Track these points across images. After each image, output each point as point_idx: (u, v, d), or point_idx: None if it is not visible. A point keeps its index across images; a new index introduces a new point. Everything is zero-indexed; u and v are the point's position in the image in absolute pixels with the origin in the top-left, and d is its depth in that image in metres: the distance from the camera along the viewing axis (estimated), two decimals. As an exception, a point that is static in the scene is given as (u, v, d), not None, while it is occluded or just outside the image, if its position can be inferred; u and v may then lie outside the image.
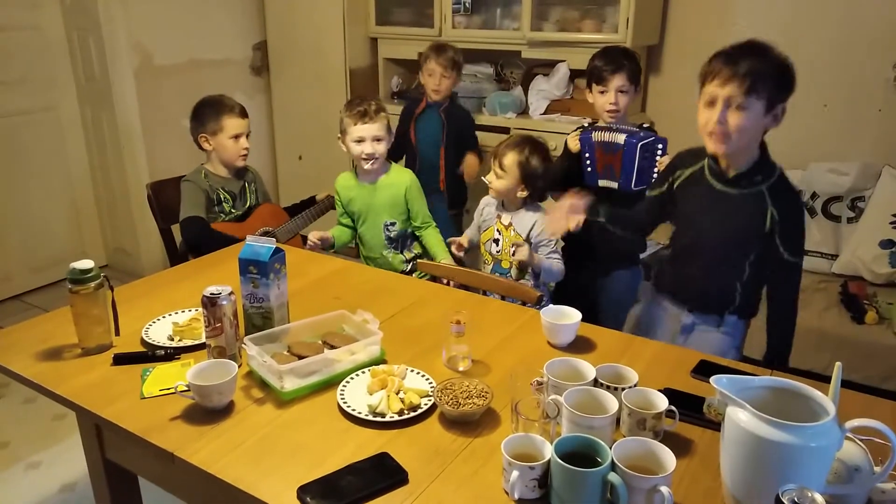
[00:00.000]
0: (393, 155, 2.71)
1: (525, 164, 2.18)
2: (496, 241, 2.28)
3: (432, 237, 2.48)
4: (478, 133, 3.22)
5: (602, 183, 2.27)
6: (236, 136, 2.44)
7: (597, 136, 2.24)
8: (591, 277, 2.41)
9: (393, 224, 2.46)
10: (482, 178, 2.30)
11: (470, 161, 3.04)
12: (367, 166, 2.37)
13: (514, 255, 2.16)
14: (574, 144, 2.31)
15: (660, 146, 2.15)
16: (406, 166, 3.06)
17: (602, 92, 2.28)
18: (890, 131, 3.03)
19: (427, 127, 3.12)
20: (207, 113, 2.44)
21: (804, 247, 1.72)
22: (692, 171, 1.80)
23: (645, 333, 1.96)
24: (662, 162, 2.12)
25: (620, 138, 2.17)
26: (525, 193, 2.22)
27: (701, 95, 1.65)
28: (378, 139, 2.34)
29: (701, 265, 1.81)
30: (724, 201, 1.71)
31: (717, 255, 1.78)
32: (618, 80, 2.25)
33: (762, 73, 1.54)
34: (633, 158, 2.14)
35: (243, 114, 2.48)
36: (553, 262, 2.20)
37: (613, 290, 2.44)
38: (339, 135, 2.40)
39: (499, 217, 2.29)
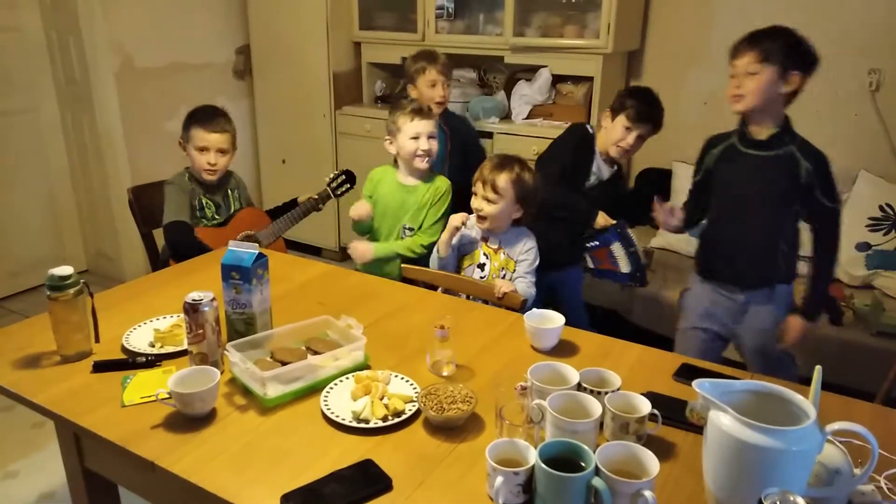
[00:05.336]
0: None
1: (519, 181, 2.04)
2: (481, 267, 2.12)
3: (411, 240, 2.39)
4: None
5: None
6: (201, 149, 2.37)
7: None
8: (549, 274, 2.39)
9: (411, 230, 2.41)
10: (473, 208, 2.11)
11: None
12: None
13: (500, 295, 1.97)
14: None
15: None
16: None
17: (627, 128, 2.30)
18: (866, 136, 3.08)
19: None
20: (188, 119, 2.42)
21: (838, 194, 1.96)
22: (723, 147, 1.99)
23: (706, 323, 2.11)
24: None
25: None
26: (520, 214, 2.09)
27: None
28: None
29: (747, 231, 1.99)
30: (760, 165, 1.92)
31: (762, 215, 1.97)
32: (641, 129, 2.31)
33: (773, 46, 1.85)
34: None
35: (216, 128, 2.37)
36: (530, 288, 2.07)
37: (568, 286, 2.54)
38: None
39: (485, 240, 2.13)
